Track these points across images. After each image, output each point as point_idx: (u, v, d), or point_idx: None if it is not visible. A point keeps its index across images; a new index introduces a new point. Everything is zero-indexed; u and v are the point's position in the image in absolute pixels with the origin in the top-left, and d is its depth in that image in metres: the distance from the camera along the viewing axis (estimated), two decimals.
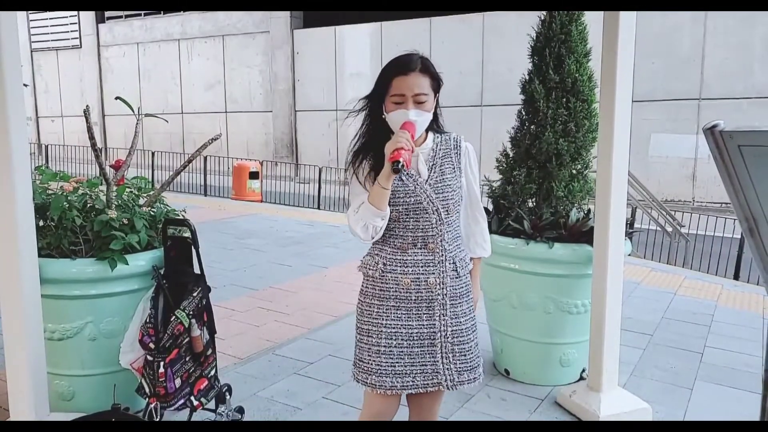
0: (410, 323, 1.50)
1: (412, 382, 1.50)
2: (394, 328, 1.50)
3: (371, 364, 1.51)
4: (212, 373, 2.06)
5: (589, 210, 2.70)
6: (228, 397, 2.12)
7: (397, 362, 1.49)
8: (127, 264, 2.05)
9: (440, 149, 1.55)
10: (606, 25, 2.23)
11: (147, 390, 1.93)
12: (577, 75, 2.65)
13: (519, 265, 2.58)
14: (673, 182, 10.36)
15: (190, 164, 2.44)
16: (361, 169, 1.50)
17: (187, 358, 1.96)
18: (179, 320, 1.91)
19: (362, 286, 1.56)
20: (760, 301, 4.07)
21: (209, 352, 2.04)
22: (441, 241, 1.49)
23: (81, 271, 2.04)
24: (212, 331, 2.06)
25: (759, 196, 1.24)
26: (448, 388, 1.53)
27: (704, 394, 2.64)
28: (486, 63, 11.72)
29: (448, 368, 1.51)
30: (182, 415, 2.06)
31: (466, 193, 1.59)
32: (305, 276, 4.46)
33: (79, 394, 2.15)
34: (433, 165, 1.52)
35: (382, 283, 1.51)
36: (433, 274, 1.49)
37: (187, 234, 2.06)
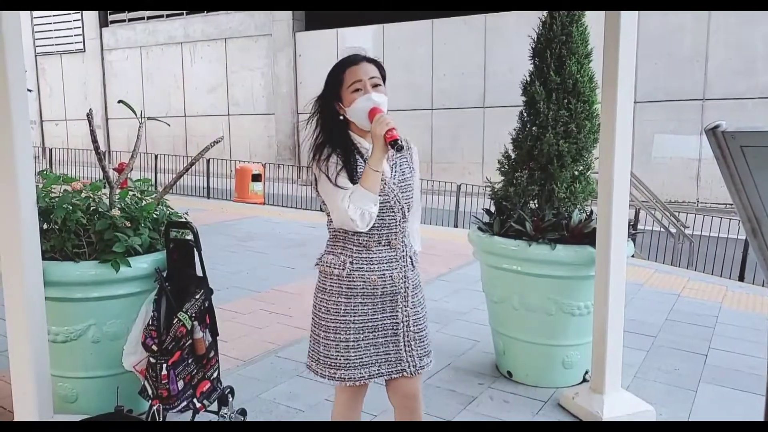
0: (375, 317, 1.56)
1: (378, 370, 1.58)
2: (361, 323, 1.55)
3: (339, 359, 1.56)
4: (215, 375, 2.06)
5: (591, 211, 2.70)
6: (230, 399, 2.12)
7: (364, 354, 1.56)
8: (130, 266, 2.06)
9: None
10: (607, 25, 2.22)
11: (150, 392, 1.94)
12: (578, 76, 2.65)
13: (521, 266, 2.57)
14: (677, 183, 10.32)
15: (193, 167, 2.45)
16: (330, 168, 1.49)
17: (190, 361, 1.96)
18: (182, 322, 1.91)
19: (323, 284, 1.58)
20: (765, 303, 4.05)
21: (212, 354, 2.05)
22: (402, 237, 1.57)
23: (84, 274, 2.05)
24: (215, 333, 2.06)
25: (762, 197, 1.24)
26: (410, 374, 1.59)
27: (708, 396, 2.63)
28: (488, 64, 11.71)
29: (410, 355, 1.58)
30: (185, 418, 2.06)
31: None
32: (308, 278, 4.45)
33: (83, 396, 2.16)
34: (393, 164, 1.57)
35: (349, 281, 1.54)
36: (396, 269, 1.56)
37: (190, 236, 2.06)
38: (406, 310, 1.58)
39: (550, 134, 2.63)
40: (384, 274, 1.54)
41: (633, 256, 3.05)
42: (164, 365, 1.88)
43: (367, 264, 1.53)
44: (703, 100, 10.11)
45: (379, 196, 1.49)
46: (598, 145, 2.43)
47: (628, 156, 2.30)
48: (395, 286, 1.55)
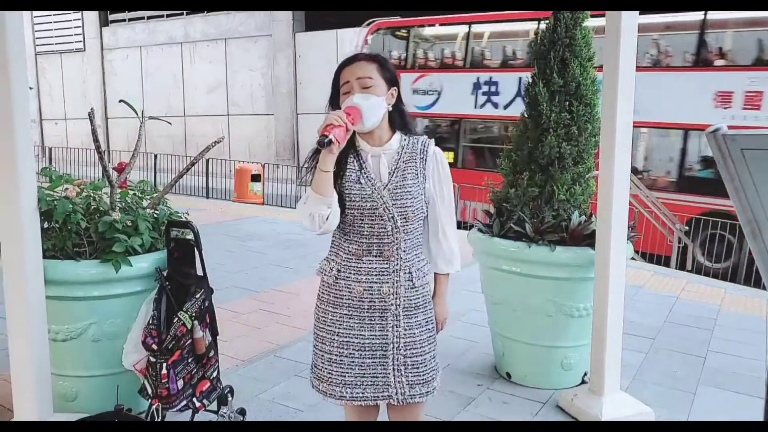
0: (362, 333, 1.45)
1: (362, 393, 1.45)
2: (346, 336, 1.45)
3: (323, 371, 1.48)
4: (214, 374, 2.06)
5: (591, 213, 2.70)
6: (230, 398, 2.12)
7: (347, 372, 1.45)
8: (131, 266, 2.06)
9: (405, 152, 1.47)
10: (608, 25, 2.23)
11: (149, 391, 1.94)
12: (580, 79, 2.66)
13: (521, 268, 2.58)
14: None
15: (193, 167, 2.45)
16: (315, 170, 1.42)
17: (190, 360, 1.96)
18: (182, 322, 1.91)
19: (318, 290, 1.52)
20: (763, 305, 4.06)
21: (211, 353, 2.05)
22: (397, 249, 1.43)
23: (85, 273, 2.05)
24: (214, 333, 2.06)
25: (762, 200, 1.24)
26: (398, 402, 1.46)
27: (707, 398, 2.63)
28: None
29: (399, 381, 1.45)
30: (184, 417, 2.06)
31: (431, 202, 1.49)
32: (307, 278, 4.45)
33: (82, 394, 2.15)
34: (395, 169, 1.45)
35: (336, 289, 1.46)
36: (387, 283, 1.43)
37: (190, 236, 2.06)
38: (397, 330, 1.44)
39: (551, 136, 2.63)
40: (372, 287, 1.42)
41: (632, 258, 3.06)
42: (164, 364, 1.88)
43: (354, 273, 1.43)
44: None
45: (367, 202, 1.41)
46: (600, 147, 2.44)
47: (628, 158, 2.31)
48: (384, 301, 1.43)
